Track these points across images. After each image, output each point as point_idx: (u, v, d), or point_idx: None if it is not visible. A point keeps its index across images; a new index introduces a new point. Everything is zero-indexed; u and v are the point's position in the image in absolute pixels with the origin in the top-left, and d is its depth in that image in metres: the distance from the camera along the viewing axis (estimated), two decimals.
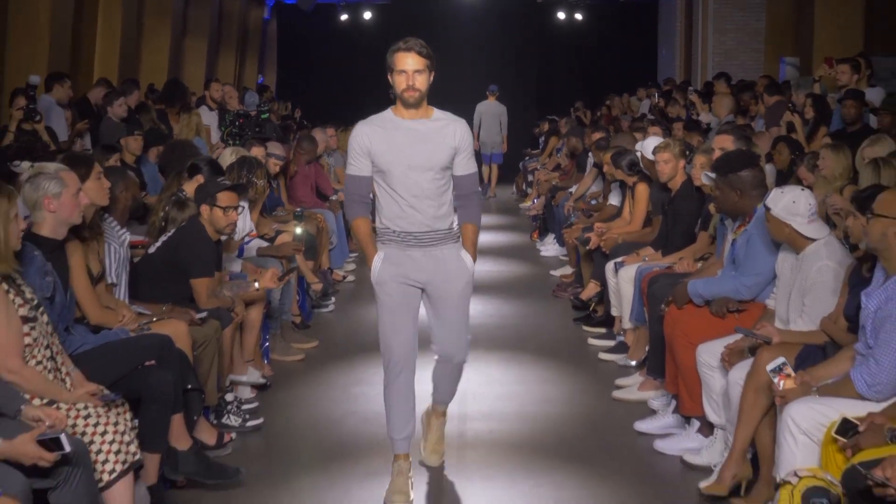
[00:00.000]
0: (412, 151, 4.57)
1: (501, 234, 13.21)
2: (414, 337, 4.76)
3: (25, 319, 3.90)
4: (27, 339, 3.91)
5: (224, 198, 5.73)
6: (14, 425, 3.68)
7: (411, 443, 4.85)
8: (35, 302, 3.99)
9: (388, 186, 4.60)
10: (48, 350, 4.01)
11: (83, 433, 3.87)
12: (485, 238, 12.92)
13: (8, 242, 3.86)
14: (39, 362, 3.96)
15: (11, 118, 8.31)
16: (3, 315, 3.80)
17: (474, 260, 4.79)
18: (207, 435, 5.13)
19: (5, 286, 3.87)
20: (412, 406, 4.82)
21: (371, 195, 4.74)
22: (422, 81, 4.55)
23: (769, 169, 7.40)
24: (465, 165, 4.68)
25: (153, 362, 4.54)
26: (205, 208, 5.72)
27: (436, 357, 4.93)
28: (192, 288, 5.59)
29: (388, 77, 4.62)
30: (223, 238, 5.98)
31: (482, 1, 20.67)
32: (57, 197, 4.39)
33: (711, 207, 6.32)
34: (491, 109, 17.72)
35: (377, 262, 4.68)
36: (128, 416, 4.07)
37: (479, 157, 16.60)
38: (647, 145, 7.61)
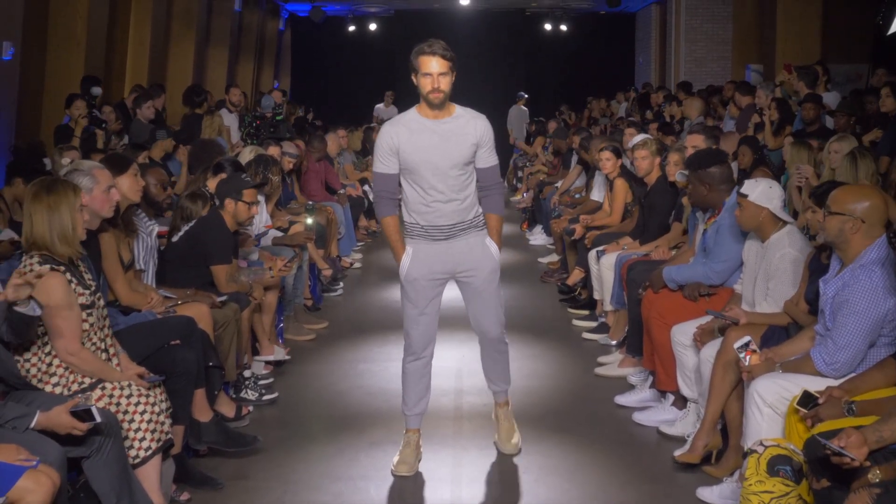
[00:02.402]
0: (437, 150, 4.41)
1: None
2: (433, 328, 4.66)
3: (84, 306, 3.87)
4: (85, 325, 3.88)
5: (248, 194, 5.71)
6: (50, 398, 3.65)
7: (422, 419, 4.79)
8: (93, 288, 3.96)
9: (415, 183, 4.47)
10: (102, 332, 3.98)
11: (125, 411, 3.84)
12: None
13: (75, 230, 3.86)
14: (94, 344, 3.93)
15: (77, 124, 8.41)
16: (65, 304, 3.78)
17: (499, 248, 4.65)
18: (227, 408, 5.09)
19: (68, 275, 3.84)
20: (426, 386, 4.74)
21: (398, 192, 4.59)
22: (446, 83, 4.39)
23: (733, 166, 7.37)
24: (487, 158, 4.51)
25: (178, 342, 4.52)
26: (229, 202, 5.68)
27: (479, 342, 4.80)
28: (212, 273, 5.55)
29: (413, 78, 4.46)
30: (241, 230, 5.94)
31: (476, 13, 20.60)
32: (89, 192, 4.34)
33: (684, 200, 6.29)
34: (521, 113, 18.52)
35: (406, 261, 4.57)
36: (163, 396, 4.04)
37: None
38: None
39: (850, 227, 3.91)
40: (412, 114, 4.52)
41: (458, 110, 4.52)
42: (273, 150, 8.27)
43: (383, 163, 4.49)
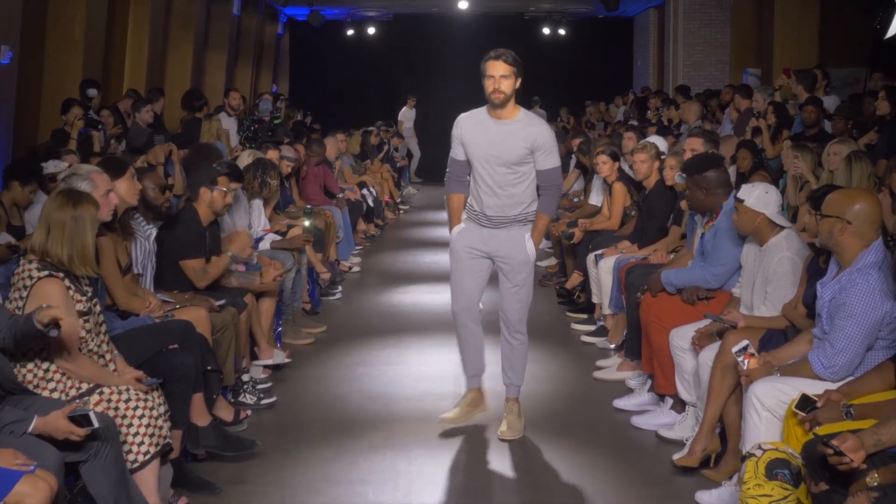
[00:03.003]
0: (491, 147, 4.87)
1: None
2: (475, 296, 5.11)
3: (81, 313, 3.85)
4: (81, 332, 3.86)
5: (222, 181, 5.72)
6: (48, 403, 3.64)
7: (480, 380, 5.21)
8: (90, 294, 3.95)
9: (475, 172, 4.96)
10: (98, 337, 3.97)
11: (123, 416, 3.81)
12: None
13: (93, 248, 3.85)
14: (91, 350, 3.92)
15: (73, 126, 8.33)
16: (63, 310, 3.75)
17: (537, 246, 5.01)
18: (225, 412, 5.08)
19: (67, 282, 3.82)
20: (478, 351, 5.17)
21: (468, 175, 5.03)
22: (507, 85, 4.80)
23: (731, 170, 7.36)
24: (544, 161, 4.89)
25: (176, 346, 4.51)
26: (204, 191, 5.68)
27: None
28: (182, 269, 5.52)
29: (482, 81, 4.87)
30: (221, 219, 6.01)
31: (474, 17, 20.59)
32: None
33: (682, 204, 6.29)
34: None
35: (454, 233, 5.08)
36: (161, 400, 4.03)
37: None
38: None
39: (838, 229, 3.92)
40: (482, 111, 4.98)
41: (521, 114, 4.91)
42: (272, 154, 8.27)
43: (454, 148, 5.04)
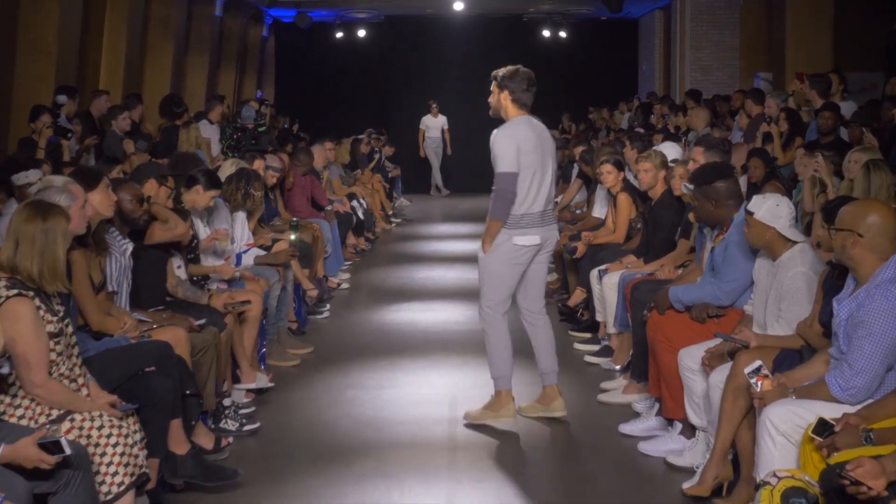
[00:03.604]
0: None
1: None
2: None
3: (52, 335, 3.83)
4: (52, 355, 3.83)
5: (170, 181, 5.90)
6: (17, 430, 3.61)
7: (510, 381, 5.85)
8: (61, 314, 3.92)
9: None
10: (70, 360, 3.94)
11: (96, 444, 3.78)
12: (470, 245, 12.95)
13: (64, 263, 3.82)
14: (62, 374, 3.89)
15: (41, 135, 8.26)
16: (32, 332, 3.72)
17: (484, 249, 5.79)
18: (205, 439, 5.05)
19: (37, 301, 3.79)
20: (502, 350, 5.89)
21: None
22: (492, 98, 5.84)
23: (742, 180, 7.36)
24: (495, 166, 5.70)
25: (153, 368, 4.48)
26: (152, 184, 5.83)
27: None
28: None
29: None
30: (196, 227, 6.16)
31: (470, 19, 20.66)
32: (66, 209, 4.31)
33: (691, 216, 6.28)
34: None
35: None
36: (136, 427, 3.99)
37: None
38: (663, 150, 7.41)
39: (850, 243, 3.92)
40: None
41: (508, 122, 5.82)
42: (256, 164, 8.27)
43: None
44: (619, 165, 8.06)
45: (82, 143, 9.39)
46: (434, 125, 19.82)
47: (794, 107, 9.86)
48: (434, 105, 19.81)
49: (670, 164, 7.03)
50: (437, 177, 19.70)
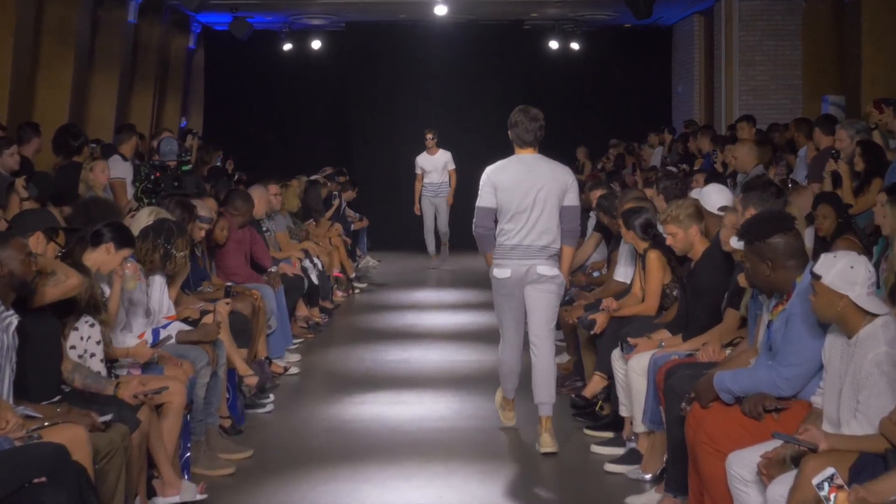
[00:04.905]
0: None
1: (476, 312, 13.16)
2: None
3: None
4: None
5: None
6: None
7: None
8: None
9: None
10: None
11: None
12: (453, 319, 12.97)
13: None
14: None
15: None
16: None
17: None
18: None
19: None
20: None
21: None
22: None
23: (807, 233, 7.42)
24: None
25: (44, 479, 4.46)
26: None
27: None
28: None
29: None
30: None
31: (457, 27, 20.73)
32: None
33: (741, 280, 6.33)
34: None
35: None
36: None
37: None
38: (707, 195, 7.44)
39: None
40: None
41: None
42: (180, 214, 8.26)
43: None
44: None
45: None
46: (433, 166, 17.74)
47: (877, 139, 9.84)
48: (431, 137, 17.71)
49: (717, 212, 7.09)
50: (429, 240, 17.95)
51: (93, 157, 10.71)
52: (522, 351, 7.91)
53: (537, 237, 7.62)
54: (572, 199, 7.77)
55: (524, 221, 7.61)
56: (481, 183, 7.75)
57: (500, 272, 7.70)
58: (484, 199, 7.69)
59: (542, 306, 7.73)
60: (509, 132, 7.76)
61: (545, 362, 7.72)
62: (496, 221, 7.79)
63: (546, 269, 7.66)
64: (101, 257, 6.41)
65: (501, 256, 7.69)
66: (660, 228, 8.10)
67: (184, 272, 7.87)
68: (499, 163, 7.78)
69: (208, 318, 7.72)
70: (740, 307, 6.49)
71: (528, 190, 7.59)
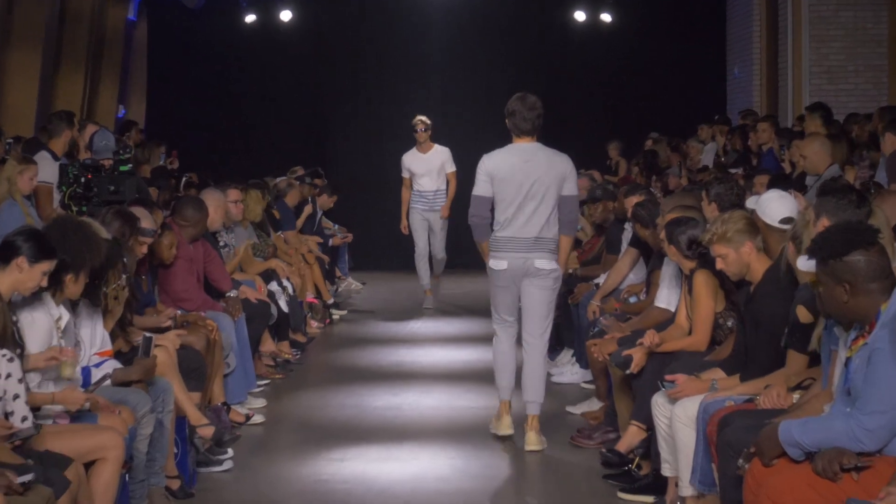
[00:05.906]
0: None
1: (482, 347, 13.09)
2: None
3: None
4: None
5: None
6: None
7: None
8: None
9: None
10: None
11: None
12: (455, 355, 12.95)
13: None
14: None
15: None
16: None
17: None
18: None
19: None
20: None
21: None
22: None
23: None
24: None
25: None
26: None
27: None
28: None
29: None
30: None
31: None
32: None
33: (800, 313, 6.34)
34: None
35: None
36: None
37: None
38: (766, 204, 7.47)
39: None
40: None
41: None
42: (117, 227, 8.22)
43: None
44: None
45: None
46: (425, 167, 16.42)
47: None
48: (423, 128, 16.33)
49: (778, 225, 7.10)
50: (422, 267, 16.60)
51: (23, 160, 10.64)
52: (516, 346, 9.36)
53: (534, 228, 9.02)
54: (571, 188, 9.15)
55: (521, 212, 9.00)
56: (477, 171, 9.10)
57: (496, 263, 9.09)
58: (479, 187, 9.08)
59: (537, 302, 9.17)
60: (506, 121, 9.13)
61: (536, 361, 9.26)
62: (493, 210, 9.12)
63: (544, 262, 9.06)
64: (13, 276, 6.32)
65: (498, 248, 9.09)
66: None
67: (121, 301, 7.75)
68: (495, 151, 9.16)
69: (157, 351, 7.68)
70: (811, 342, 6.46)
71: (524, 180, 8.98)
